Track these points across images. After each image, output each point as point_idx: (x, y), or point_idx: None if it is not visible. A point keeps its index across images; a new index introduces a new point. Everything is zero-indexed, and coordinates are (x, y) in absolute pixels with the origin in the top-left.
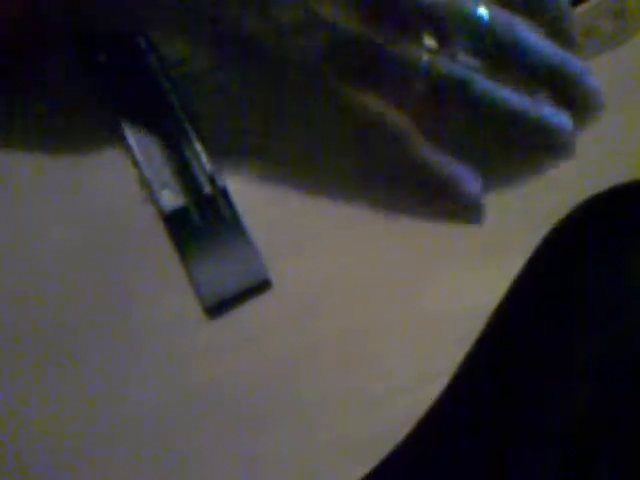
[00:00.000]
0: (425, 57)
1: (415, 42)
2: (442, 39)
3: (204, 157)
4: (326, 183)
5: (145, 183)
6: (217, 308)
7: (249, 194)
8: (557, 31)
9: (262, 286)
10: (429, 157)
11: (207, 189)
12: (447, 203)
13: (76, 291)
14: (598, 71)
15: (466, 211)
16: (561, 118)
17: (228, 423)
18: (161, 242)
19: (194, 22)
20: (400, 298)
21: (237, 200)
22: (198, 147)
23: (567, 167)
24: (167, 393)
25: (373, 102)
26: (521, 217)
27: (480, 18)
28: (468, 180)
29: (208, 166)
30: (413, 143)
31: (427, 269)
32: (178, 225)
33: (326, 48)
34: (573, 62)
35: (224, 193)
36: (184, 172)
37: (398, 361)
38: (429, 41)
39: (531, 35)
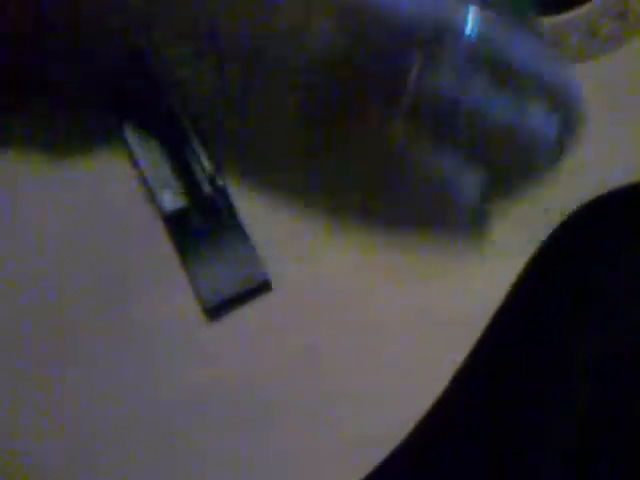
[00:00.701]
0: (414, 71)
1: (404, 57)
2: (431, 54)
3: (204, 157)
4: (326, 183)
5: (145, 183)
6: (217, 309)
7: (249, 194)
8: None
9: (262, 287)
10: (429, 156)
11: (207, 189)
12: (446, 206)
13: (76, 291)
14: (599, 72)
15: (464, 214)
16: (549, 125)
17: (228, 423)
18: (161, 242)
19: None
20: (401, 298)
21: (237, 200)
22: (198, 147)
23: (567, 168)
24: (167, 393)
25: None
26: (522, 218)
27: (470, 35)
28: (467, 180)
29: (208, 166)
30: (412, 145)
31: (429, 269)
32: (178, 226)
33: (314, 57)
34: (560, 69)
35: (224, 193)
36: (184, 172)
37: (398, 361)
38: (418, 55)
39: (521, 45)
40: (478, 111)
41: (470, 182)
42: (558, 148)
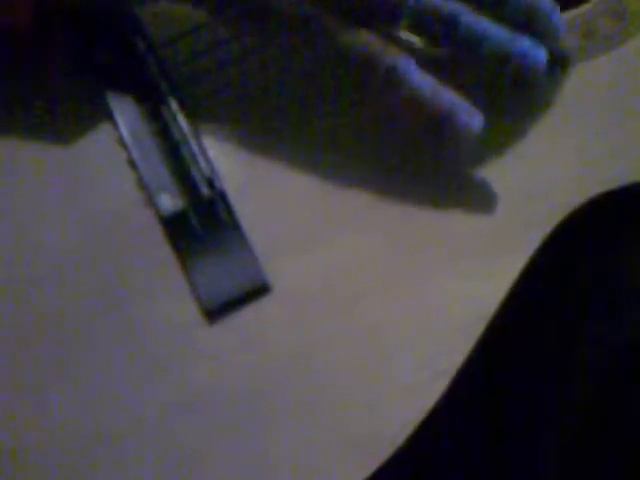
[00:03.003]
0: None
1: None
2: None
3: (202, 160)
4: (326, 185)
5: (143, 186)
6: (216, 311)
7: (247, 196)
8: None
9: (260, 290)
10: (426, 87)
11: (205, 192)
12: (444, 139)
13: (75, 294)
14: (598, 71)
15: (461, 148)
16: (538, 52)
17: (228, 424)
18: (160, 245)
19: None
20: (400, 299)
21: (235, 203)
22: (196, 150)
23: (567, 167)
24: (167, 395)
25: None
26: (522, 217)
27: None
28: (466, 112)
29: (206, 169)
30: (409, 75)
31: (428, 270)
32: (177, 228)
33: None
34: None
35: (222, 196)
36: (182, 175)
37: (399, 362)
38: None
39: None
40: (475, 31)
41: (469, 118)
42: (545, 79)
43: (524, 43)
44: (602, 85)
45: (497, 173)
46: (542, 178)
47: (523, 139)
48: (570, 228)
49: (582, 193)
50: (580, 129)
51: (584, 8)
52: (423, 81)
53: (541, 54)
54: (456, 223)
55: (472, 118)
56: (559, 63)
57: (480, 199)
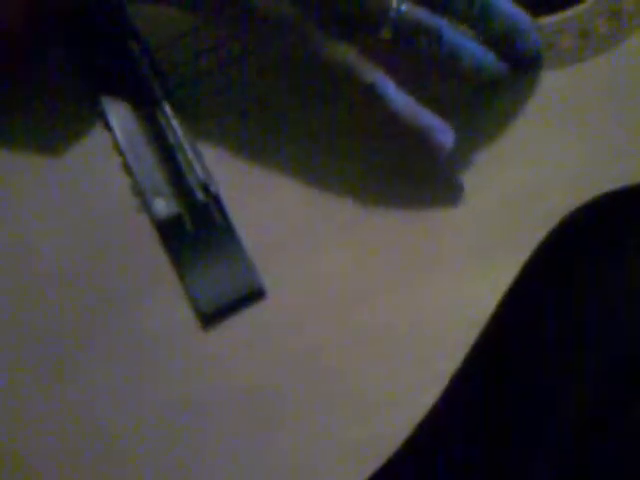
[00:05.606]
0: (394, 4)
1: None
2: None
3: (197, 164)
4: (323, 187)
5: (138, 191)
6: (213, 315)
7: (243, 200)
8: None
9: (256, 294)
10: (402, 106)
11: (200, 196)
12: (420, 154)
13: (73, 298)
14: (595, 72)
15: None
16: (502, 65)
17: (227, 426)
18: (155, 250)
19: None
20: (398, 301)
21: (230, 207)
22: (191, 155)
23: (567, 168)
24: (167, 401)
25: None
26: (521, 218)
27: None
28: (440, 131)
29: (201, 173)
30: (386, 93)
31: (426, 271)
32: (171, 233)
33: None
34: (524, 19)
35: (217, 200)
36: (177, 180)
37: (398, 363)
38: None
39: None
40: (456, 45)
41: (443, 137)
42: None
43: (491, 57)
44: (599, 85)
45: (496, 173)
46: (541, 178)
47: (522, 139)
48: (569, 229)
49: (581, 194)
50: (579, 129)
51: (581, 8)
52: (400, 100)
53: (504, 67)
54: (455, 224)
55: (446, 137)
56: (533, 64)
57: (479, 199)
